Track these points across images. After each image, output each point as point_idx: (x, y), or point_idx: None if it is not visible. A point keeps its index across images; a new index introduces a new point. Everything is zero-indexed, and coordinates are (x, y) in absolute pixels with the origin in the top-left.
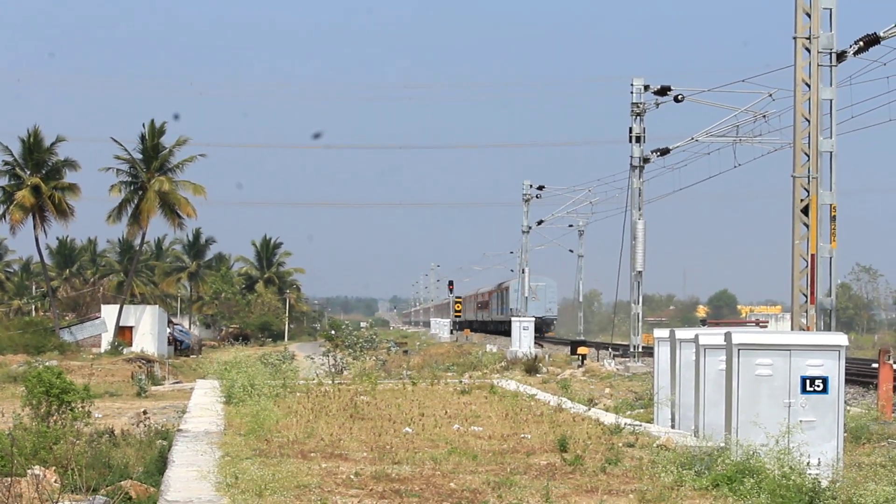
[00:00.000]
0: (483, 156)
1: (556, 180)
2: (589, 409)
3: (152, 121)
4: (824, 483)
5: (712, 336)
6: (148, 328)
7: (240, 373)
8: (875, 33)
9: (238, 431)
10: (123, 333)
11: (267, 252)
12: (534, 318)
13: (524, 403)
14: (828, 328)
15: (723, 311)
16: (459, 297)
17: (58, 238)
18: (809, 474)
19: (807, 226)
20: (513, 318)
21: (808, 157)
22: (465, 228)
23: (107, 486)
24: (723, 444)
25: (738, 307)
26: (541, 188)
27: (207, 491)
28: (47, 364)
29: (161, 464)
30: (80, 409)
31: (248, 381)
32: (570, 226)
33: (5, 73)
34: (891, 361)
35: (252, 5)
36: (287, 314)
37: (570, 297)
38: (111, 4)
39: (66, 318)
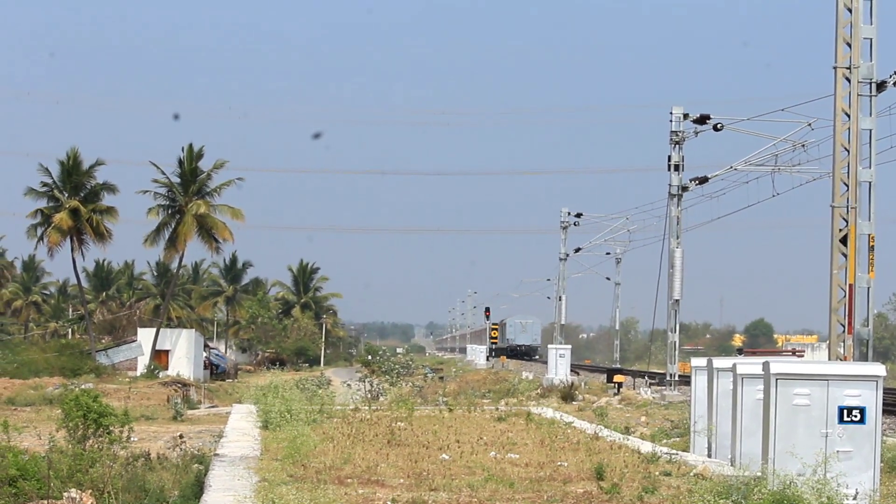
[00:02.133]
0: (521, 183)
1: (594, 208)
2: (625, 438)
3: (190, 145)
4: None
5: (750, 365)
6: (184, 352)
7: (276, 398)
8: None
9: (275, 456)
10: (159, 357)
11: (304, 277)
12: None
13: (560, 431)
14: (864, 358)
15: (759, 339)
16: (496, 324)
17: (95, 261)
18: None
19: (845, 256)
20: (549, 346)
21: (847, 186)
22: (502, 255)
23: None
24: (759, 474)
25: (775, 336)
26: (579, 216)
27: None
28: (84, 387)
29: (197, 488)
30: (119, 432)
31: (285, 407)
32: (608, 253)
33: (45, 95)
34: None
35: (295, 32)
36: (323, 339)
37: (605, 325)
38: (148, 29)
39: (103, 340)
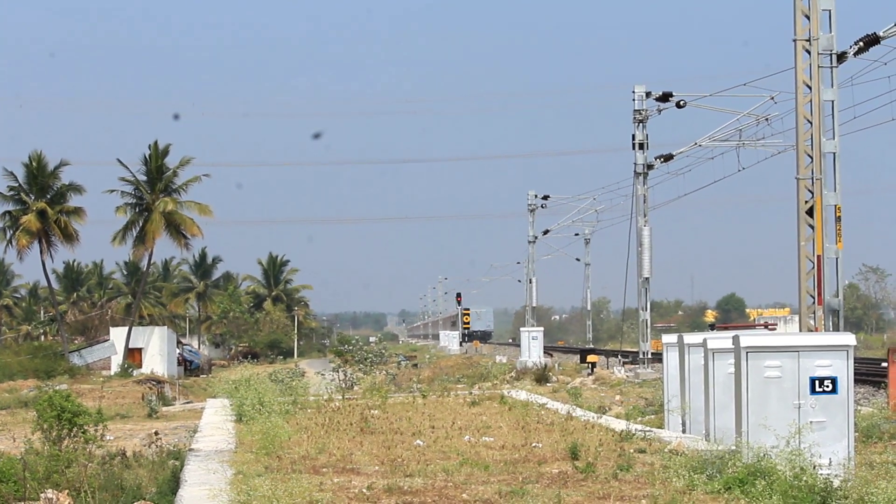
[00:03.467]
0: (488, 167)
1: (561, 190)
2: (600, 417)
3: (156, 142)
4: (836, 483)
5: (720, 340)
6: (157, 349)
7: (249, 391)
8: (875, 33)
9: (249, 449)
10: (133, 355)
11: (274, 270)
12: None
13: (535, 413)
14: (836, 329)
15: (731, 314)
16: (467, 309)
17: (64, 262)
18: (821, 474)
19: (812, 227)
20: (521, 329)
21: (812, 158)
22: (471, 240)
23: None
24: (734, 447)
25: (747, 310)
26: (546, 198)
27: None
28: (57, 388)
29: (174, 484)
30: (94, 432)
31: (258, 399)
32: (577, 234)
33: (7, 98)
34: None
35: (254, 23)
36: (296, 331)
37: (577, 306)
38: (113, 24)
39: (76, 341)
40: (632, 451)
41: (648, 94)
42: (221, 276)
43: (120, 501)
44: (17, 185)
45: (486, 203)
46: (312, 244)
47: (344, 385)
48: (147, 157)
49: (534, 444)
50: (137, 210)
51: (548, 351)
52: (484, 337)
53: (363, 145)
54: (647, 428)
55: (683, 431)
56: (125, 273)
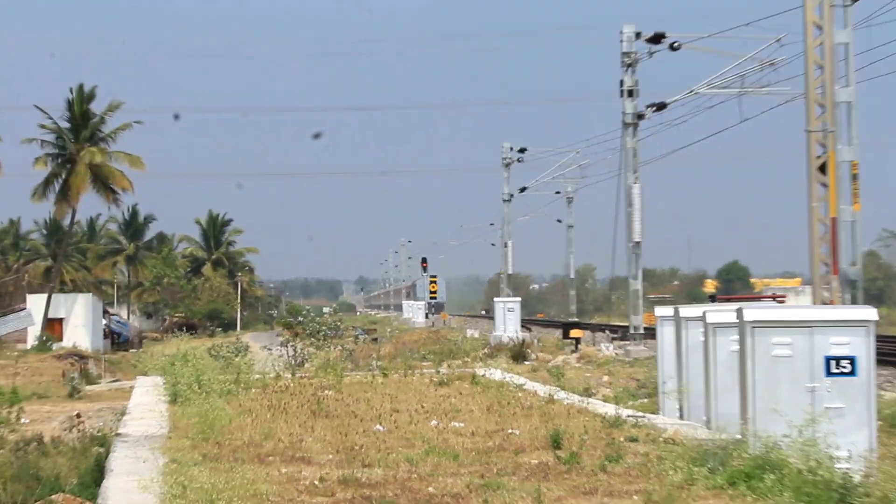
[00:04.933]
0: (459, 116)
1: (541, 142)
2: (585, 401)
3: (80, 85)
4: (856, 478)
5: (722, 313)
6: (80, 320)
7: (186, 367)
8: None
9: (185, 434)
10: (52, 326)
11: (214, 230)
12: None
13: (511, 395)
14: (854, 301)
15: (734, 284)
16: (434, 276)
17: None
18: (839, 468)
19: (825, 186)
20: (495, 300)
21: (824, 108)
22: (439, 198)
23: (36, 500)
24: (739, 436)
25: (752, 280)
26: (522, 151)
27: (151, 503)
28: None
29: (98, 474)
30: (7, 413)
31: (196, 377)
32: (557, 192)
33: None
34: None
35: None
36: (239, 300)
37: (559, 274)
38: None
39: None
40: (622, 439)
41: (638, 35)
42: (155, 237)
43: (36, 494)
44: None
45: (457, 157)
46: (259, 201)
47: (294, 362)
48: (70, 101)
49: (510, 431)
50: (59, 161)
51: (525, 324)
52: (438, 309)
53: (317, 92)
54: (640, 413)
55: (681, 418)
56: (45, 233)
